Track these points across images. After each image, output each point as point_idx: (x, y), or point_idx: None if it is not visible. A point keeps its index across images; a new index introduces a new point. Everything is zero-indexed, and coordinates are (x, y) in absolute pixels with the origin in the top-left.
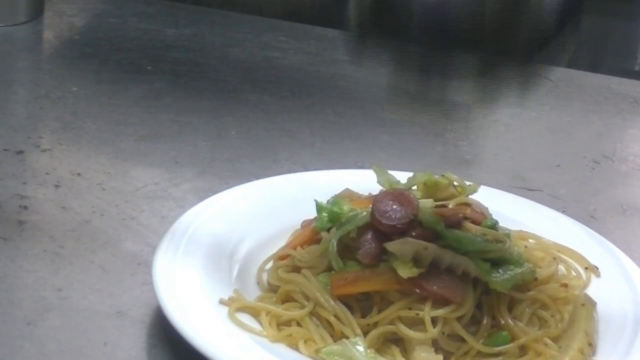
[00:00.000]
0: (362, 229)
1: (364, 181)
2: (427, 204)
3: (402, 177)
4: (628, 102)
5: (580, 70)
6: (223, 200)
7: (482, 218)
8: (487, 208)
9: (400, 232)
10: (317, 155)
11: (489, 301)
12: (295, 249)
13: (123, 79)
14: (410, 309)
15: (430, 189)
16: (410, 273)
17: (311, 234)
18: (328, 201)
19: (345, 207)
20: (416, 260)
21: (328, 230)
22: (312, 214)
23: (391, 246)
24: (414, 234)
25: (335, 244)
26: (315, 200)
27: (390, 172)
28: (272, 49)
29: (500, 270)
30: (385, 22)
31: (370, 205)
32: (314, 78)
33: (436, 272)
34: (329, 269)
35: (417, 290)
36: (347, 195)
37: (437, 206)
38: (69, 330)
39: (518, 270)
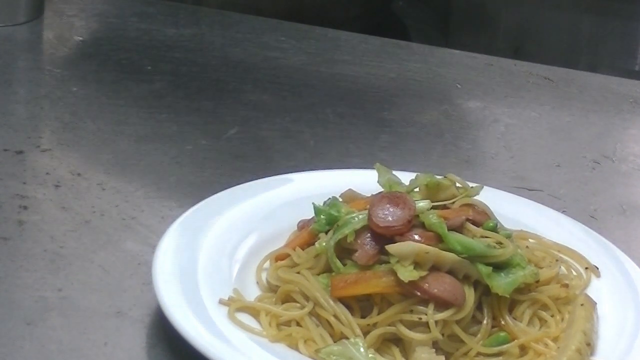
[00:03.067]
0: (359, 231)
1: (364, 181)
2: (424, 205)
3: (402, 177)
4: (628, 102)
5: (580, 70)
6: (223, 200)
7: (484, 219)
8: (490, 209)
9: (397, 234)
10: (317, 155)
11: (489, 302)
12: (295, 250)
13: (123, 79)
14: (411, 311)
15: (432, 191)
16: (410, 276)
17: (309, 236)
18: (325, 202)
19: (343, 210)
20: (417, 263)
21: (326, 232)
22: (311, 214)
23: (392, 248)
24: (416, 236)
25: (332, 246)
26: (313, 204)
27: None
28: (272, 49)
29: (502, 274)
30: None
31: (368, 207)
32: (314, 78)
33: (437, 275)
34: (326, 269)
35: (418, 293)
36: (350, 195)
37: (438, 207)
38: (69, 330)
39: (520, 273)
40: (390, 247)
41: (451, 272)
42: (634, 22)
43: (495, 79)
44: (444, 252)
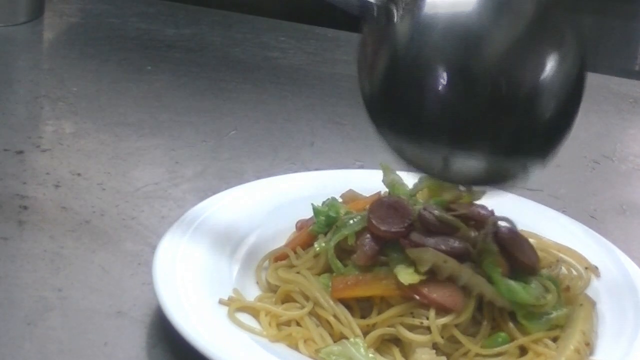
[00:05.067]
0: (358, 232)
1: (364, 181)
2: (418, 208)
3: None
4: (628, 102)
5: None
6: (223, 200)
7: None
8: (492, 210)
9: (397, 237)
10: (317, 155)
11: (489, 306)
12: (295, 251)
13: (123, 79)
14: (412, 313)
15: (435, 192)
16: (411, 279)
17: (308, 237)
18: (324, 202)
19: (342, 211)
20: (433, 271)
21: (325, 233)
22: (312, 214)
23: (413, 253)
24: (442, 246)
25: (332, 247)
26: (312, 204)
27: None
28: (272, 49)
29: (536, 314)
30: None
31: (367, 208)
32: (314, 78)
33: (437, 280)
34: (325, 269)
35: (417, 297)
36: (350, 196)
37: (446, 208)
38: (69, 330)
39: (553, 314)
40: (411, 252)
41: (450, 278)
42: (634, 22)
43: None
44: (462, 266)
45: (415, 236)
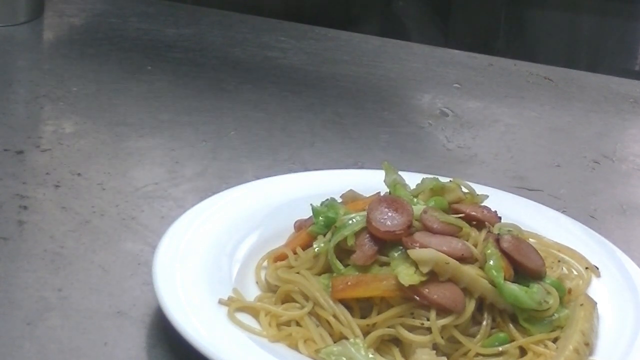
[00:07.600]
0: (357, 232)
1: (364, 181)
2: (417, 209)
3: (404, 177)
4: (628, 102)
5: (580, 70)
6: (223, 200)
7: (495, 220)
8: (519, 227)
9: (397, 238)
10: (317, 155)
11: (490, 304)
12: (295, 252)
13: (123, 79)
14: (412, 314)
15: (437, 194)
16: (411, 280)
17: (308, 238)
18: (323, 203)
19: (341, 211)
20: (435, 272)
21: (324, 234)
22: (310, 214)
23: (415, 254)
24: (445, 248)
25: (332, 248)
26: (311, 205)
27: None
28: (272, 49)
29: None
30: None
31: (366, 208)
32: (314, 78)
33: (437, 280)
34: (325, 270)
35: (418, 298)
36: (351, 196)
37: (450, 209)
38: (69, 330)
39: (555, 316)
40: (413, 252)
41: (452, 280)
42: (634, 22)
43: (495, 79)
44: (464, 267)
45: (418, 236)
